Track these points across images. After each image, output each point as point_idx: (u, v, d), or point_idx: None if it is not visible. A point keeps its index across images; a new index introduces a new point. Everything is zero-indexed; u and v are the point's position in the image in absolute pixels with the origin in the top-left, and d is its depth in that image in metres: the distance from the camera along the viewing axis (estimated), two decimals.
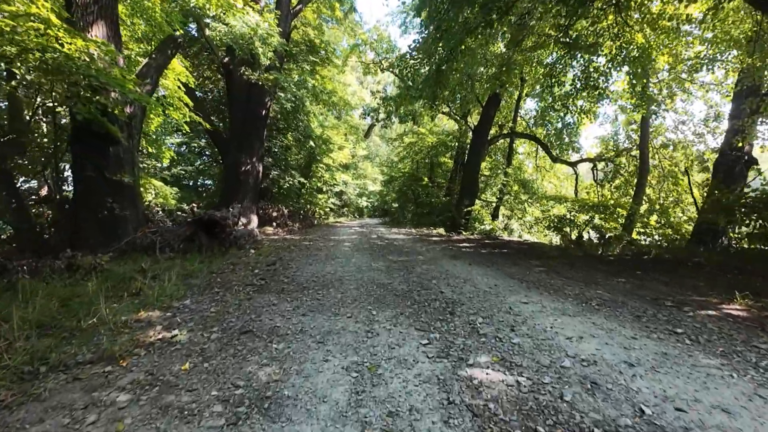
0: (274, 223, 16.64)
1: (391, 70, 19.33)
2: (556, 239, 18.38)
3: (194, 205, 14.44)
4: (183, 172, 14.57)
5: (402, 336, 3.60)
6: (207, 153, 19.27)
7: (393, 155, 29.14)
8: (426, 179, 22.40)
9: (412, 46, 10.29)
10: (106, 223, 8.39)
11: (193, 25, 17.59)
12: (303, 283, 5.98)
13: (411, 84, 11.14)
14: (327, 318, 4.18)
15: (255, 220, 16.01)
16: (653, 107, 10.97)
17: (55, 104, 8.08)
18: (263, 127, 16.38)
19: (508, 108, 19.85)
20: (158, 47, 9.65)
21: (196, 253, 8.31)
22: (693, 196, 9.11)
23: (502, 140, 19.77)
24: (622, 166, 17.01)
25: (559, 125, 11.77)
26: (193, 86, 11.97)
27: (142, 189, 12.26)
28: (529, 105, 21.09)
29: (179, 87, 11.51)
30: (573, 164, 18.65)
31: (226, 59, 16.15)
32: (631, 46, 10.59)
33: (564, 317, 4.16)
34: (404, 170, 24.26)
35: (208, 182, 20.62)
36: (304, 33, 19.70)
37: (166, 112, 11.84)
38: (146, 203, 12.27)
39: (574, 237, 13.80)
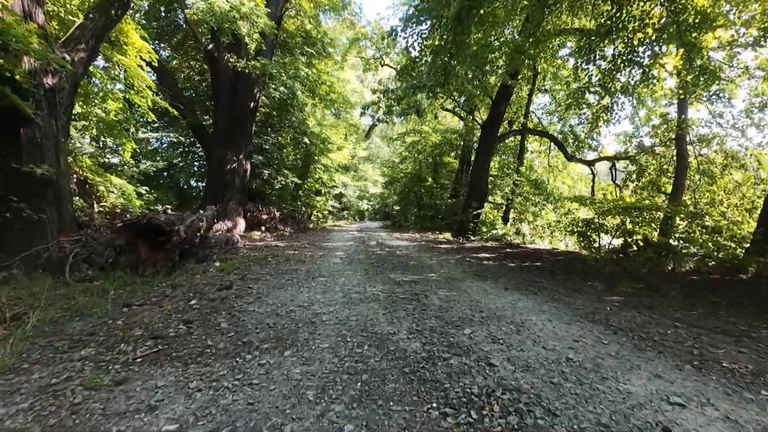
0: (263, 227, 14.02)
1: (389, 44, 16.76)
2: (573, 245, 15.72)
3: (168, 207, 11.85)
4: (154, 169, 11.94)
5: None
6: (199, 150, 16.65)
7: (394, 156, 26.46)
8: (430, 179, 19.73)
9: (418, 6, 7.70)
10: (12, 229, 5.85)
11: (180, 16, 15.14)
12: (248, 332, 3.35)
13: (417, 55, 8.49)
14: None
15: (242, 223, 13.43)
16: (715, 86, 8.35)
17: None
18: (251, 120, 13.86)
19: (517, 104, 17.23)
20: (97, 5, 7.06)
21: (129, 271, 5.70)
22: None
23: (512, 138, 17.13)
24: (650, 164, 14.33)
25: (595, 108, 9.09)
26: (156, 64, 9.37)
27: (102, 188, 9.69)
28: (541, 100, 18.48)
29: (140, 66, 8.93)
30: (590, 163, 15.99)
31: (211, 46, 13.64)
32: (688, 11, 8.02)
33: None
34: (406, 171, 21.59)
35: (203, 184, 18.09)
36: (300, 24, 17.17)
37: (127, 96, 9.27)
38: (103, 205, 9.67)
39: (608, 245, 11.15)
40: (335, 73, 20.84)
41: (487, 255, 8.41)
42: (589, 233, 12.02)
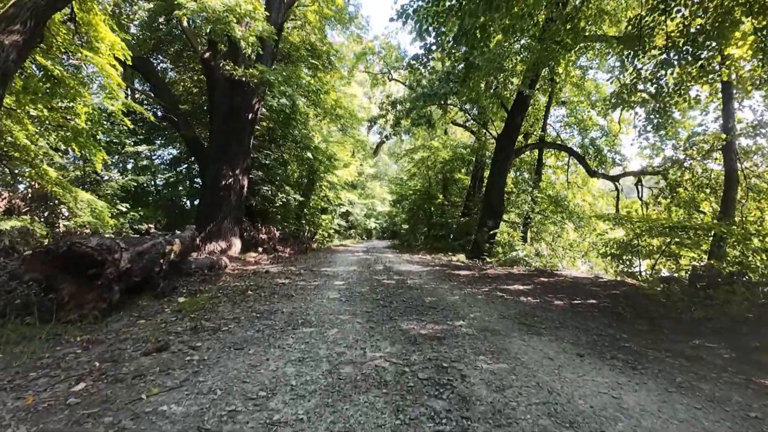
0: (260, 248, 12.24)
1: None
2: (597, 268, 13.66)
3: (152, 226, 10.14)
4: (134, 184, 10.27)
5: None
6: (194, 166, 15.05)
7: (402, 173, 24.65)
8: (441, 197, 17.84)
9: None
10: None
11: (179, 28, 13.79)
12: None
13: (432, 41, 6.78)
14: None
15: (237, 244, 11.69)
16: None
17: None
18: (249, 133, 12.28)
19: (533, 116, 15.48)
20: None
21: (42, 317, 3.90)
22: None
23: (528, 152, 15.28)
24: (684, 179, 12.36)
25: (649, 107, 7.21)
26: (129, 62, 7.76)
27: (72, 205, 8.01)
28: (558, 112, 16.68)
29: (113, 65, 7.35)
30: (615, 178, 14.09)
31: (207, 54, 12.19)
32: None
33: None
34: (415, 188, 19.75)
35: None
36: (305, 36, 15.80)
37: (98, 99, 7.71)
38: (67, 224, 7.99)
39: (652, 270, 9.19)
40: (342, 88, 19.39)
41: (521, 287, 6.46)
42: (625, 256, 10.04)
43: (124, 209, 9.48)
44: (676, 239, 8.96)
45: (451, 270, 8.90)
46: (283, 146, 14.84)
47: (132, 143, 11.42)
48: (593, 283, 7.02)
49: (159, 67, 15.35)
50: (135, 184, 10.04)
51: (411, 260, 11.60)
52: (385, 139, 27.30)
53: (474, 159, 17.06)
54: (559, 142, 15.10)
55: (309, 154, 14.35)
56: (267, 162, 13.66)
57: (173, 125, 12.59)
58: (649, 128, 7.53)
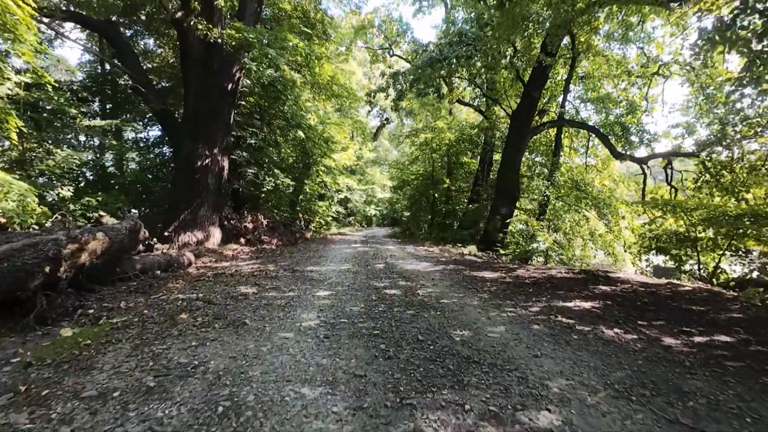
0: (242, 239, 10.04)
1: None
2: (622, 261, 11.48)
3: (103, 214, 7.91)
4: (76, 162, 7.93)
5: None
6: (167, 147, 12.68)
7: (404, 158, 22.16)
8: (447, 181, 15.47)
9: None
10: None
11: None
12: None
13: None
14: None
15: (216, 234, 9.53)
16: None
17: None
18: (230, 106, 10.01)
19: (550, 92, 13.11)
20: None
21: None
22: None
23: (544, 131, 12.90)
24: (725, 162, 10.10)
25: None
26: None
27: None
28: (578, 89, 14.15)
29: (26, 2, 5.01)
30: (643, 161, 11.80)
31: (179, 14, 9.75)
32: None
33: None
34: (417, 173, 17.30)
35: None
36: (297, 3, 13.33)
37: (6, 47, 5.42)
38: None
39: (717, 271, 7.06)
40: (340, 65, 16.92)
41: (584, 304, 4.21)
42: (679, 252, 7.80)
43: (68, 193, 7.22)
44: (744, 229, 6.80)
45: (469, 269, 6.67)
46: (272, 125, 12.49)
47: (83, 115, 9.03)
48: (674, 293, 4.79)
49: (137, 38, 12.94)
50: (77, 162, 7.72)
51: (416, 254, 9.38)
52: (385, 122, 24.94)
53: (482, 140, 14.67)
54: (578, 120, 12.73)
55: (301, 134, 11.98)
56: (253, 141, 11.34)
57: (142, 97, 10.27)
58: (747, 79, 5.14)
